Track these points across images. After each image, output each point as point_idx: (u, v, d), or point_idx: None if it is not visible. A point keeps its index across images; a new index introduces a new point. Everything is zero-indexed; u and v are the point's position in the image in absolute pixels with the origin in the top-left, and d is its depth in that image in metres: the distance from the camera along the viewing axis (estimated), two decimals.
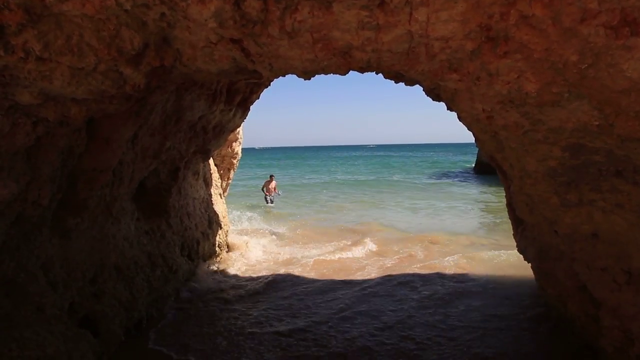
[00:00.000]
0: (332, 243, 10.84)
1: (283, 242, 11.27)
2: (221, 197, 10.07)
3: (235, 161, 10.95)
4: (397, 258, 9.37)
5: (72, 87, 3.38)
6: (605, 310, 4.38)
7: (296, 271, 8.42)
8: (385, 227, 13.16)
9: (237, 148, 10.69)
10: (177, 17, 3.18)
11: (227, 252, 9.55)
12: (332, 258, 9.46)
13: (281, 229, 12.80)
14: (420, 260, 9.12)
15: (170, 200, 7.24)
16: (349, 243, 10.74)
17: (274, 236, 11.87)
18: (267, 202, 18.19)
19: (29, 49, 3.01)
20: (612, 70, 2.67)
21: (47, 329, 4.19)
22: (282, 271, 8.40)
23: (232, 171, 11.20)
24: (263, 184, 19.02)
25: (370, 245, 10.43)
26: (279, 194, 18.90)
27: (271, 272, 8.35)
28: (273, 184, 18.62)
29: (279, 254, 9.88)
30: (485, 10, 2.82)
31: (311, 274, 8.26)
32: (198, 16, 3.10)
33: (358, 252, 9.94)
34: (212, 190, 9.36)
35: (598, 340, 4.57)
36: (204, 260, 8.50)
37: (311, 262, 9.00)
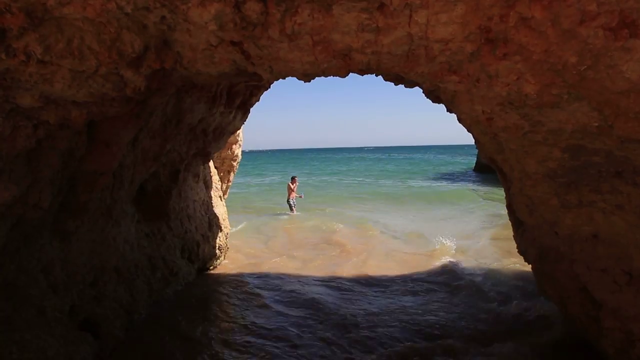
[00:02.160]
0: None
1: None
2: (221, 200, 10.07)
3: (235, 163, 10.96)
4: None
5: (73, 90, 3.39)
6: (605, 311, 4.38)
7: None
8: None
9: (237, 150, 10.70)
10: (178, 20, 3.20)
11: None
12: None
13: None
14: None
15: (170, 203, 7.24)
16: None
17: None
18: (291, 209, 16.69)
19: (30, 52, 3.02)
20: (611, 72, 2.68)
21: (47, 331, 4.19)
22: None
23: (232, 173, 11.20)
24: (287, 189, 17.35)
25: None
26: (301, 196, 17.45)
27: None
28: (295, 186, 17.30)
29: None
30: (484, 12, 2.84)
31: None
32: (198, 19, 3.12)
33: None
34: (212, 193, 9.36)
35: (599, 341, 4.57)
36: (205, 263, 8.50)
37: None
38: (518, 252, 6.26)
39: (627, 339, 4.20)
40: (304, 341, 5.42)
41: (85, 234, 5.07)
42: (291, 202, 16.80)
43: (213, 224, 8.92)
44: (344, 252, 10.18)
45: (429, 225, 13.06)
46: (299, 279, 8.05)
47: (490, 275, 7.81)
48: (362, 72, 3.95)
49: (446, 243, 10.35)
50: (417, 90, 4.62)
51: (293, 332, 5.72)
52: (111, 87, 3.54)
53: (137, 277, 6.04)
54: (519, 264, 7.84)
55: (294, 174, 19.47)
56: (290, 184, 17.22)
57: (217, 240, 8.99)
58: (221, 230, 9.24)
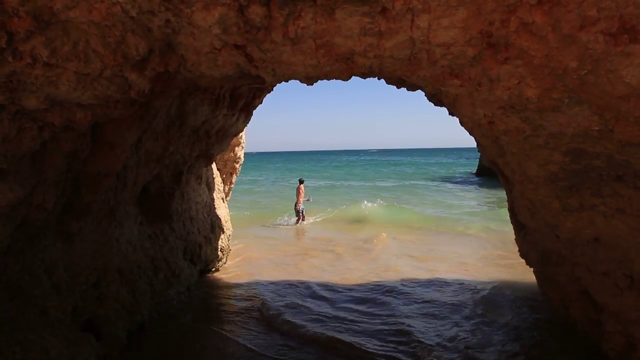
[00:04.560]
0: None
1: None
2: (224, 202, 10.10)
3: (237, 165, 11.00)
4: None
5: (78, 92, 3.43)
6: (607, 315, 4.39)
7: None
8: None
9: (240, 152, 10.74)
10: (182, 23, 3.23)
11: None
12: None
13: None
14: None
15: (173, 205, 7.27)
16: None
17: None
18: (299, 217, 15.35)
19: (37, 55, 3.06)
20: (612, 77, 2.70)
21: (50, 332, 4.21)
22: None
23: (234, 175, 11.24)
24: (296, 193, 15.98)
25: None
26: (310, 200, 16.25)
27: None
28: (302, 189, 15.89)
29: None
30: (486, 17, 2.86)
31: None
32: (202, 22, 3.15)
33: None
34: (214, 195, 9.39)
35: (601, 345, 4.57)
36: (207, 264, 8.52)
37: None
38: (520, 255, 6.28)
39: (628, 342, 4.21)
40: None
41: (89, 235, 5.10)
42: (299, 209, 15.46)
43: (215, 226, 8.95)
44: (348, 261, 9.94)
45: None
46: (301, 285, 7.99)
47: None
48: (364, 76, 3.98)
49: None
50: (420, 93, 4.65)
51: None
52: (116, 89, 3.57)
53: (140, 279, 6.06)
54: None
55: (301, 177, 17.64)
56: (298, 188, 15.87)
57: (219, 242, 9.01)
58: (223, 232, 9.27)
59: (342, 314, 6.40)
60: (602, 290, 4.33)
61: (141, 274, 6.14)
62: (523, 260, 6.27)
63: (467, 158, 72.72)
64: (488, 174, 29.07)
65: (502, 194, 9.23)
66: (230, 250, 9.70)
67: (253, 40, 3.34)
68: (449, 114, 4.67)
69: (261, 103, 8.34)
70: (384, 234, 12.47)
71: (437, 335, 5.60)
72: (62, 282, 4.63)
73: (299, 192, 15.72)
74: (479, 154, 5.57)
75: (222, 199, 10.00)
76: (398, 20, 3.03)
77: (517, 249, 6.34)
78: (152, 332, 5.76)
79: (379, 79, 4.17)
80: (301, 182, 16.36)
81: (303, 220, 15.41)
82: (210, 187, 9.23)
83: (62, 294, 4.59)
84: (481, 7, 2.82)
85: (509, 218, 6.39)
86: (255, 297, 7.28)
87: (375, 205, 17.80)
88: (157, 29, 3.29)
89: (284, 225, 15.20)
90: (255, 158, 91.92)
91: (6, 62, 3.01)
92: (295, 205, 15.61)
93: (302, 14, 3.10)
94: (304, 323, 6.03)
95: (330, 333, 5.67)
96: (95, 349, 4.62)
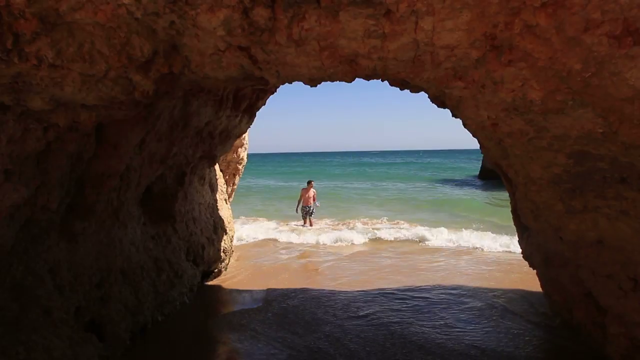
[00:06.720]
0: None
1: None
2: (226, 203, 10.11)
3: (240, 167, 11.03)
4: None
5: (82, 93, 3.44)
6: (611, 317, 4.38)
7: None
8: None
9: (243, 154, 10.77)
10: (187, 25, 3.24)
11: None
12: None
13: None
14: None
15: (176, 205, 7.28)
16: None
17: None
18: (306, 219, 14.76)
19: (42, 56, 3.07)
20: (616, 79, 2.70)
21: (53, 332, 4.23)
22: None
23: (237, 177, 11.26)
24: (299, 195, 15.29)
25: None
26: (317, 205, 15.26)
27: None
28: (312, 192, 15.07)
29: None
30: (490, 19, 2.86)
31: None
32: (207, 24, 3.16)
33: None
34: (217, 196, 9.40)
35: (604, 347, 4.56)
36: (209, 266, 8.53)
37: None
38: (523, 257, 6.27)
39: (632, 345, 4.19)
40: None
41: (92, 236, 5.12)
42: (308, 209, 14.79)
43: (218, 227, 8.96)
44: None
45: None
46: (303, 291, 7.89)
47: None
48: (368, 78, 3.98)
49: None
50: (423, 95, 4.65)
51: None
52: (120, 90, 3.59)
53: (143, 279, 6.07)
54: None
55: (309, 178, 16.51)
56: (306, 189, 15.08)
57: (222, 243, 9.02)
58: (226, 234, 9.27)
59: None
60: (605, 292, 4.32)
61: (144, 275, 6.15)
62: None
63: (470, 159, 72.51)
64: (491, 177, 28.91)
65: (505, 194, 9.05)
66: (233, 251, 9.70)
67: (257, 42, 3.35)
68: (452, 116, 4.67)
69: (264, 104, 8.35)
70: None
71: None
72: (65, 283, 4.64)
73: (308, 194, 14.97)
74: (482, 156, 5.53)
75: (225, 200, 10.01)
76: (402, 22, 3.04)
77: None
78: (154, 333, 5.77)
79: (382, 80, 4.17)
80: (310, 183, 15.48)
81: (310, 224, 14.75)
82: (213, 188, 9.24)
83: (65, 294, 4.60)
84: (485, 9, 2.82)
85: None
86: (258, 298, 7.29)
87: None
88: (161, 31, 3.30)
89: (292, 227, 14.63)
90: (257, 158, 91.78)
91: (12, 63, 3.03)
92: (303, 208, 14.95)
93: (307, 16, 3.11)
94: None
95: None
96: (98, 349, 4.63)
